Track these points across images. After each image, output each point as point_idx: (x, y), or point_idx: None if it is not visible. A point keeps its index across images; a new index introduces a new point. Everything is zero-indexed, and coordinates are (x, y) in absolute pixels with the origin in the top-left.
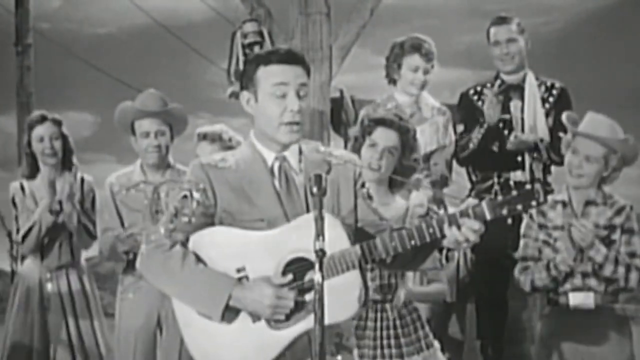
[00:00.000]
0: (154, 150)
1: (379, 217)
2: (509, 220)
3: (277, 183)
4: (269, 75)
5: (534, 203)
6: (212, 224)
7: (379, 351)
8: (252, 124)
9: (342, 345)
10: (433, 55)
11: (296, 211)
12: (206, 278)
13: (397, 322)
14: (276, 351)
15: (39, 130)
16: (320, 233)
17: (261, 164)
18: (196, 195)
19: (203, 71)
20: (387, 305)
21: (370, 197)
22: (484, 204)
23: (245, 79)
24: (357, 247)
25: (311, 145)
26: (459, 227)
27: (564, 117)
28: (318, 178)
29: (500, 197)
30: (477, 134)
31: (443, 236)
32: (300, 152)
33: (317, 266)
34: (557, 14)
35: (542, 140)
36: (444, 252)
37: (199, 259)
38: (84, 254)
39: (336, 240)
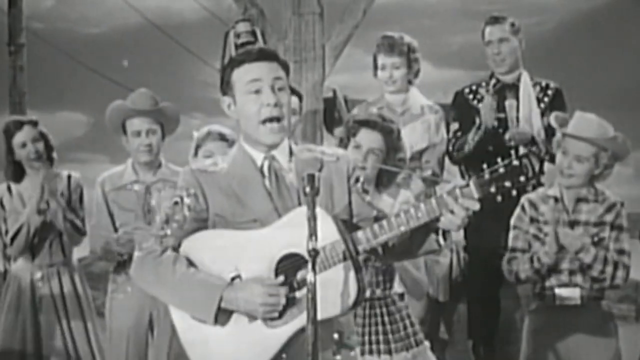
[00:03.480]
0: (145, 150)
1: (375, 210)
2: (503, 219)
3: (267, 182)
4: (242, 75)
5: (522, 179)
6: (206, 228)
7: (367, 347)
8: (239, 128)
9: (343, 344)
10: (400, 49)
11: (288, 210)
12: (197, 281)
13: (386, 319)
14: (274, 350)
15: (20, 137)
16: (313, 233)
17: (250, 165)
18: (187, 200)
19: (196, 71)
20: (376, 302)
21: (365, 191)
22: (472, 183)
23: (224, 85)
24: (348, 237)
25: (302, 146)
26: (446, 207)
27: (552, 118)
28: (311, 178)
29: (487, 175)
30: (473, 136)
31: (433, 219)
32: (291, 152)
33: (309, 266)
34: (549, 14)
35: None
36: (440, 233)
37: (190, 264)
38: (76, 253)
39: (327, 234)
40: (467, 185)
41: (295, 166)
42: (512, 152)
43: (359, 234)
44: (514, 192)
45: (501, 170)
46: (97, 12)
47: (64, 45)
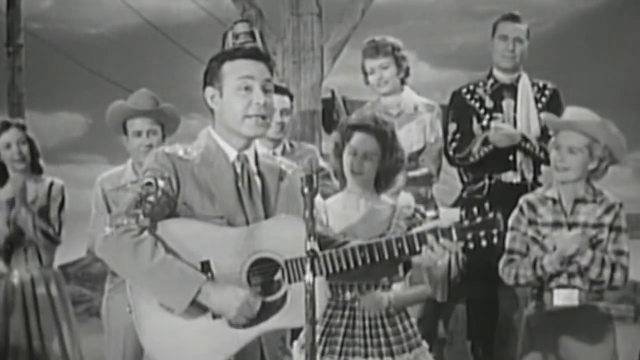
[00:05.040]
0: (145, 150)
1: (324, 229)
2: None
3: (240, 183)
4: (234, 70)
5: (494, 231)
6: (171, 215)
7: (369, 349)
8: (213, 120)
9: (286, 350)
10: (385, 50)
11: (256, 213)
12: (176, 269)
13: (385, 321)
14: (233, 349)
15: (5, 137)
16: (311, 233)
17: (224, 161)
18: (161, 183)
19: (194, 71)
20: None
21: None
22: (453, 227)
23: (210, 75)
24: (327, 253)
25: (264, 151)
26: (426, 244)
27: (542, 117)
28: (309, 178)
29: (466, 222)
30: (478, 149)
31: (412, 253)
32: (257, 155)
33: (308, 266)
34: (549, 14)
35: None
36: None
37: (166, 249)
38: (75, 255)
39: (302, 241)
40: (449, 228)
41: (262, 170)
42: (511, 158)
43: (348, 252)
44: (484, 243)
45: (478, 220)
46: (96, 13)
47: (63, 46)
